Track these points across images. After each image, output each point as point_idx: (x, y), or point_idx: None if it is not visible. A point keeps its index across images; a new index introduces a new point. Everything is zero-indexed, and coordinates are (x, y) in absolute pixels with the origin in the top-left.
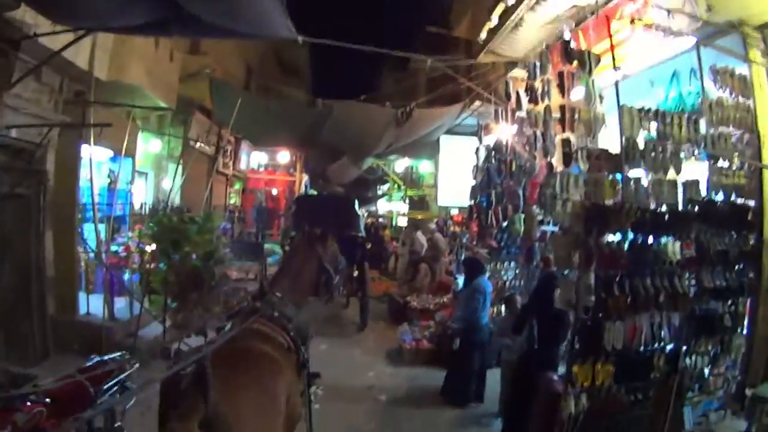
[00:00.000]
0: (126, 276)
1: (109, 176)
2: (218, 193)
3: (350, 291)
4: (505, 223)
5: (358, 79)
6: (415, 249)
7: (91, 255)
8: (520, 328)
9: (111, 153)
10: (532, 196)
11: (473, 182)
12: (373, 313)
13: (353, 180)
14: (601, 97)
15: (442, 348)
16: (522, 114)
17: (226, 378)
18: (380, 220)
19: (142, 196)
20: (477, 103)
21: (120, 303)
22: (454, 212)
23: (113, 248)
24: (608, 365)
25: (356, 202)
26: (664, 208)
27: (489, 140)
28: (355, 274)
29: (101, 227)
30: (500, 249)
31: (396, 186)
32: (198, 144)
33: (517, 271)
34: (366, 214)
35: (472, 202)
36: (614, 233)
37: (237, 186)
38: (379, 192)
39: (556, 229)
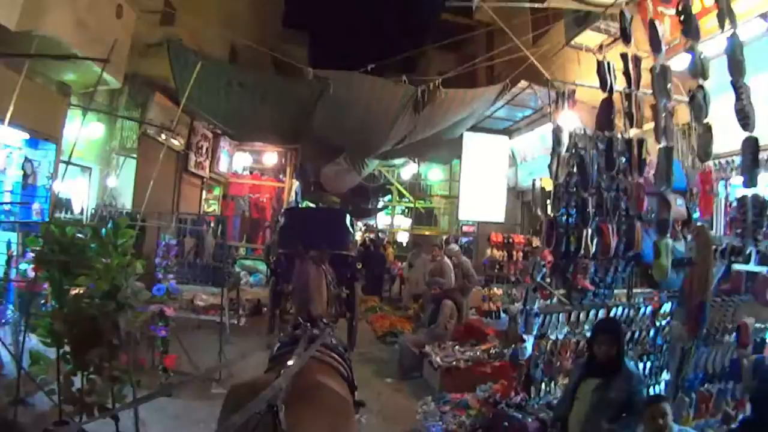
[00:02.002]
0: (10, 312)
1: (23, 167)
2: (190, 198)
3: (339, 312)
4: (615, 245)
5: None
6: (441, 280)
7: None
8: None
9: (26, 135)
10: (706, 203)
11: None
12: (376, 364)
13: (351, 189)
14: None
15: None
16: (661, 60)
17: (298, 423)
18: (380, 235)
19: (83, 197)
20: (522, 83)
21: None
22: (468, 228)
23: (22, 266)
24: None
25: (349, 217)
26: None
27: (569, 119)
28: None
29: (12, 236)
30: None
31: (399, 197)
32: (162, 136)
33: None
34: (363, 228)
35: (543, 215)
36: None
37: (216, 191)
38: (380, 204)
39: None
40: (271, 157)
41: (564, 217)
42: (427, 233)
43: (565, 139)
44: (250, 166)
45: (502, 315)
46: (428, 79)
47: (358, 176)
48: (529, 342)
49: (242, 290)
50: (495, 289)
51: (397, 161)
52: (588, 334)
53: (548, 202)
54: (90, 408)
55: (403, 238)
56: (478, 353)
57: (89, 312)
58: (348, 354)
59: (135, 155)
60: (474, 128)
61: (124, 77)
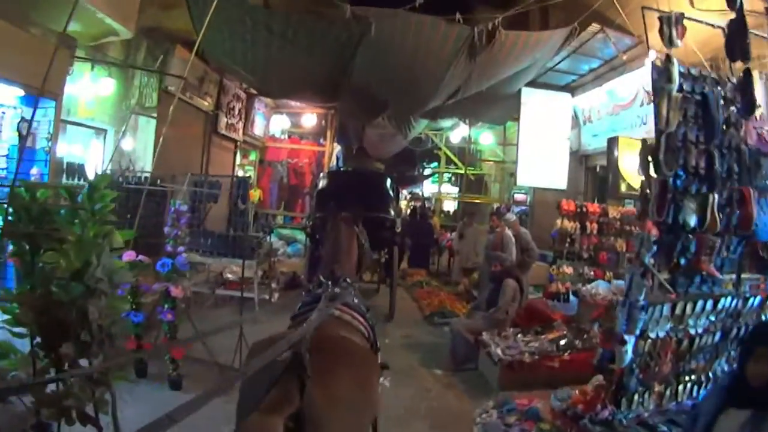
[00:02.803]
0: None
1: (18, 127)
2: (222, 163)
3: (381, 278)
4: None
5: None
6: (503, 255)
7: None
8: None
9: (20, 92)
10: None
11: (652, 136)
12: (423, 351)
13: (396, 154)
14: None
15: None
16: None
17: (324, 369)
18: (426, 204)
19: (98, 162)
20: (593, 26)
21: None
22: (520, 196)
23: None
24: None
25: (389, 179)
26: None
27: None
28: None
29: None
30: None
31: (447, 163)
32: (187, 94)
33: (712, 319)
34: (409, 197)
35: (645, 177)
36: None
37: (252, 156)
38: (426, 171)
39: None
40: (310, 119)
41: (674, 182)
42: (477, 201)
43: (677, 76)
44: (288, 129)
45: (572, 297)
46: (486, 17)
47: (404, 140)
48: (630, 344)
49: (278, 262)
50: (564, 267)
51: (446, 123)
52: (692, 331)
53: (649, 159)
54: (68, 412)
55: (450, 206)
56: (545, 344)
57: (59, 297)
58: (370, 314)
59: (155, 115)
60: (533, 83)
61: (138, 29)
